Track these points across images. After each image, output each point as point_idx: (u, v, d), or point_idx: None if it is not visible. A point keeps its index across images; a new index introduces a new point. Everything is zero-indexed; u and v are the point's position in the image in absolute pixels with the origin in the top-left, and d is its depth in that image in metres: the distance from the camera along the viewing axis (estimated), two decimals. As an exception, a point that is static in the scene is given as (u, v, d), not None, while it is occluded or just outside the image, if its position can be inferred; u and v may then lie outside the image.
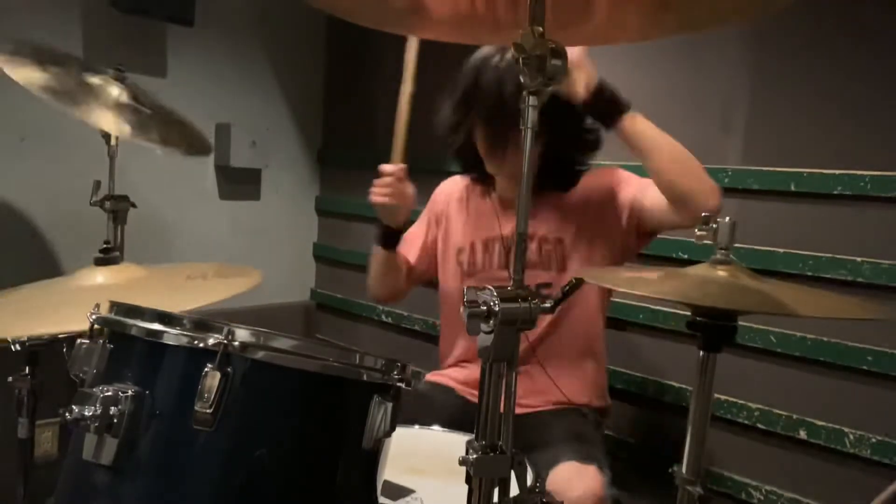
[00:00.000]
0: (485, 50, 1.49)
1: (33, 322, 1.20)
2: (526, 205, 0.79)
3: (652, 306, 1.97)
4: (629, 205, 1.52)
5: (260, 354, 0.85)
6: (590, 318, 1.61)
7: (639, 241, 1.57)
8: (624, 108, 1.40)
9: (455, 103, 1.56)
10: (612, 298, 1.72)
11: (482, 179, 1.68)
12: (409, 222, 1.70)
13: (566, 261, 1.55)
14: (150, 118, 1.56)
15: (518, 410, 0.84)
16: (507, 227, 1.60)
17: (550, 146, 1.49)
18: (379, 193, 1.57)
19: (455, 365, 1.70)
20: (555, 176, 1.56)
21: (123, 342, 0.89)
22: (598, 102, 1.39)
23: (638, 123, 1.40)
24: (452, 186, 1.79)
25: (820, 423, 1.69)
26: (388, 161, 1.61)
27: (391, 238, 1.65)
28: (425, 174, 2.39)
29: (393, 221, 1.61)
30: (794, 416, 1.73)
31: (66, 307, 1.19)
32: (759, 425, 1.78)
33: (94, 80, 1.52)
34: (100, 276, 1.38)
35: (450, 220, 1.73)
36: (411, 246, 1.78)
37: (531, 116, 0.79)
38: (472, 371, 1.65)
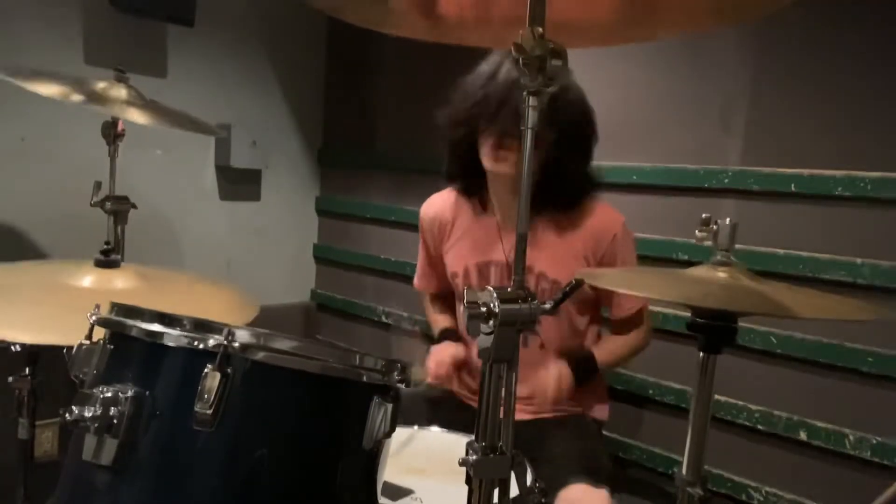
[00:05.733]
0: (490, 61, 1.47)
1: (35, 329, 1.20)
2: (526, 205, 0.79)
3: (652, 308, 1.97)
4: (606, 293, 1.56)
5: (260, 355, 0.84)
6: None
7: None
8: (594, 371, 1.55)
9: (460, 113, 1.50)
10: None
11: (477, 194, 1.62)
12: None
13: None
14: (157, 114, 1.57)
15: (519, 416, 0.83)
16: (511, 248, 1.53)
17: (553, 154, 1.43)
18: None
19: None
20: (556, 190, 1.49)
21: (123, 343, 0.89)
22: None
23: (604, 363, 1.57)
24: (438, 205, 1.69)
25: (820, 424, 1.69)
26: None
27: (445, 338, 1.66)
28: (426, 175, 2.39)
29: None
30: (795, 418, 1.73)
31: (67, 312, 1.19)
32: (760, 426, 1.78)
33: (98, 84, 1.53)
34: (100, 280, 1.39)
35: (441, 241, 1.67)
36: (430, 278, 1.77)
37: (531, 117, 0.79)
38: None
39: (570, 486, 1.31)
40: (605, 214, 1.56)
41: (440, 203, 1.69)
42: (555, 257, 1.52)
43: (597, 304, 1.61)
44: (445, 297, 1.78)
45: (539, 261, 1.52)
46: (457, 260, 1.63)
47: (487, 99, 1.45)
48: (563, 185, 1.50)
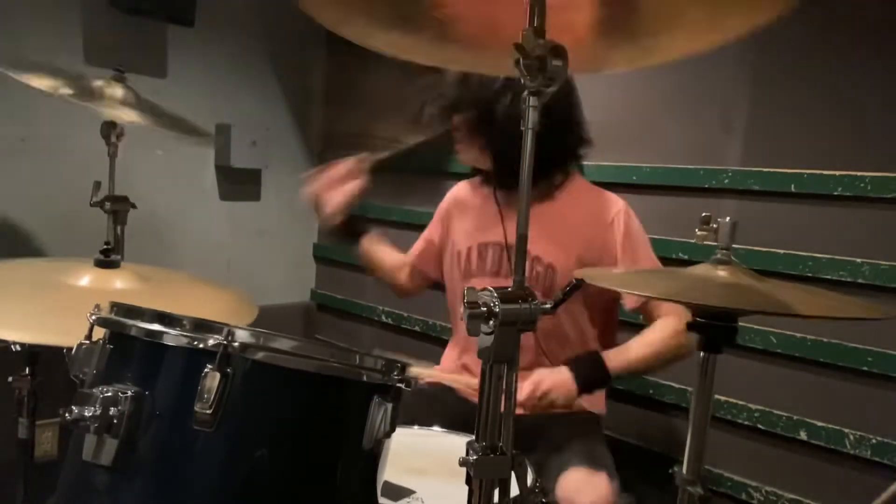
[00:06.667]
0: None
1: (34, 329, 1.20)
2: (526, 205, 0.79)
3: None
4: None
5: (260, 355, 0.85)
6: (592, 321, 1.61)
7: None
8: (606, 380, 1.45)
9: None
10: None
11: (484, 177, 1.67)
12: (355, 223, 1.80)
13: (553, 289, 1.49)
14: (152, 115, 1.57)
15: (519, 411, 0.83)
16: (511, 232, 1.55)
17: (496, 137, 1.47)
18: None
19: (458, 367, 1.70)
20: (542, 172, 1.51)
21: (123, 343, 0.89)
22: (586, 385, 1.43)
23: (621, 370, 1.45)
24: (459, 190, 1.78)
25: (820, 423, 1.69)
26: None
27: (339, 232, 1.75)
28: (426, 175, 2.39)
29: (322, 218, 1.71)
30: (795, 417, 1.73)
31: (67, 313, 1.19)
32: (760, 426, 1.78)
33: (96, 83, 1.53)
34: (99, 279, 1.39)
35: (453, 223, 1.73)
36: (418, 242, 1.82)
37: (531, 117, 0.79)
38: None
39: (568, 473, 1.31)
40: (602, 199, 1.57)
41: (459, 187, 1.78)
42: (549, 241, 1.52)
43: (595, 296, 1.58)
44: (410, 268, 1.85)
45: (532, 244, 1.50)
46: (463, 238, 1.67)
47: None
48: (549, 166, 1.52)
